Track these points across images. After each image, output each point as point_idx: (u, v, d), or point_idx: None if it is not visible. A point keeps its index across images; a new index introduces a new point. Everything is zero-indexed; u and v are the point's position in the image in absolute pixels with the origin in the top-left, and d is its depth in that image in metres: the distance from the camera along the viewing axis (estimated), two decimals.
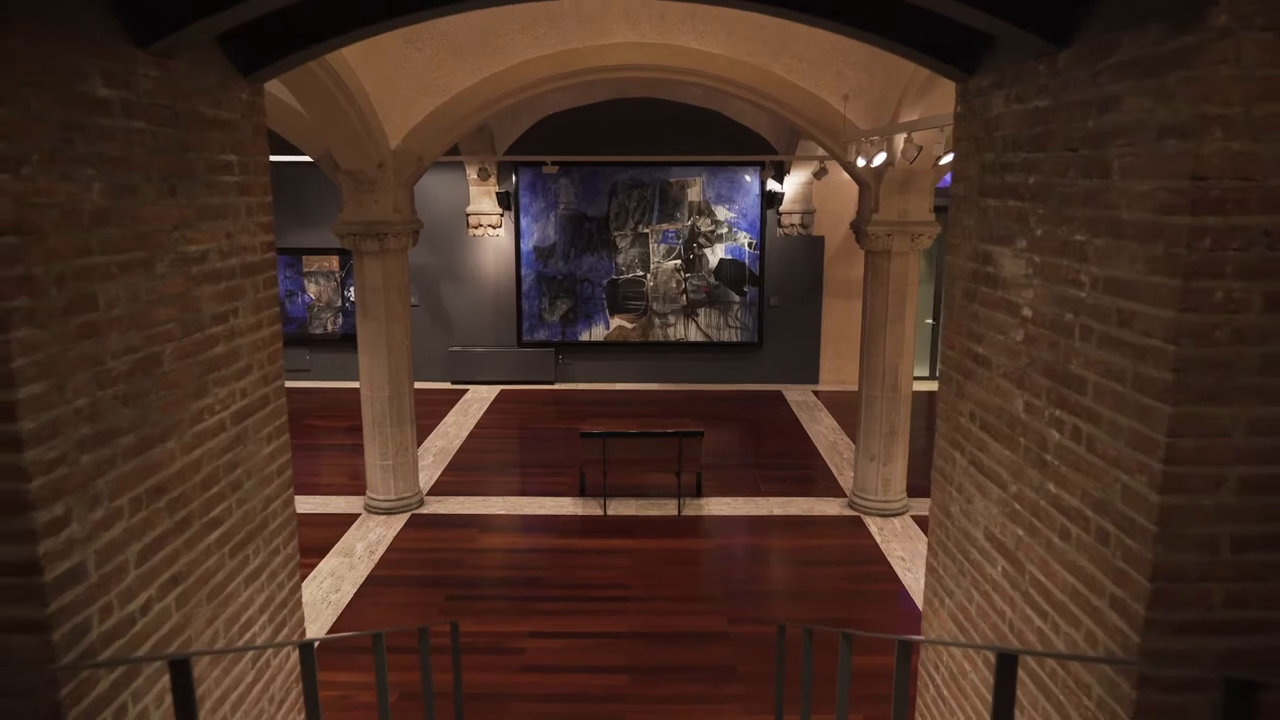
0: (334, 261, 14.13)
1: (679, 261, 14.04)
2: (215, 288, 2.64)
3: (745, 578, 7.83)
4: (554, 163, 11.84)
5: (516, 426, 12.47)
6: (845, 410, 12.76)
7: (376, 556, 8.18)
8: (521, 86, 8.38)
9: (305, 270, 14.39)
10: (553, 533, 8.74)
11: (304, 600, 7.30)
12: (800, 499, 9.62)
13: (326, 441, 11.71)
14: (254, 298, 2.91)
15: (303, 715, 3.19)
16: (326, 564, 8.02)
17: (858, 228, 8.93)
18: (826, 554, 8.31)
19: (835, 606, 7.24)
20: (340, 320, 14.38)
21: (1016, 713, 2.14)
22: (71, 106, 2.02)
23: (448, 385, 14.40)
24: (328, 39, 2.77)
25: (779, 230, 13.98)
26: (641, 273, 14.09)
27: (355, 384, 9.66)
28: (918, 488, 9.39)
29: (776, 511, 9.28)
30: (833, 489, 9.94)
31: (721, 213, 13.89)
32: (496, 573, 7.94)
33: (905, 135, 7.01)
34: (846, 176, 13.34)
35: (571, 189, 13.89)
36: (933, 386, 14.07)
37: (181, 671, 1.89)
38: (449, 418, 12.65)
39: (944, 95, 7.27)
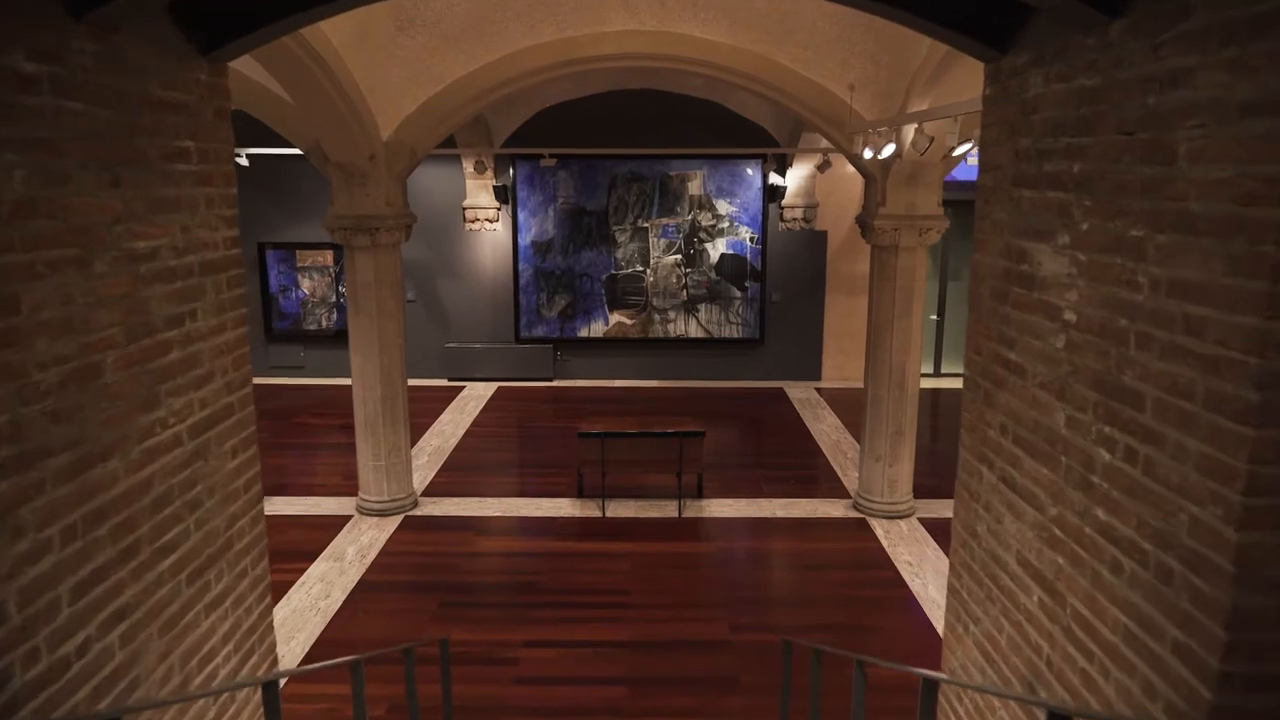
0: (328, 256, 13.87)
1: (679, 256, 13.79)
2: (168, 288, 2.39)
3: (748, 583, 7.59)
4: (552, 155, 11.61)
5: (514, 425, 12.22)
6: (848, 408, 12.51)
7: (368, 561, 7.93)
8: (517, 76, 8.11)
9: (299, 265, 14.13)
10: (550, 535, 8.49)
11: (293, 607, 7.11)
12: (804, 500, 9.38)
13: (320, 440, 11.46)
14: (216, 298, 2.65)
15: None
16: (316, 569, 7.77)
17: (864, 222, 8.67)
18: (831, 558, 8.07)
19: (841, 613, 7.00)
20: (335, 316, 14.12)
21: None
22: None
23: (444, 382, 14.15)
24: (294, 14, 2.51)
25: (781, 224, 13.73)
26: (641, 268, 13.83)
27: (350, 381, 9.44)
28: (924, 489, 9.15)
29: (779, 513, 9.04)
30: (837, 490, 9.70)
31: (723, 207, 13.63)
32: (491, 577, 7.69)
33: (915, 125, 6.74)
34: (850, 170, 13.11)
35: (570, 182, 13.62)
36: (938, 384, 13.84)
37: None
38: (445, 415, 12.40)
39: (955, 85, 7.01)
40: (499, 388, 13.87)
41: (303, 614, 6.97)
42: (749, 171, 13.50)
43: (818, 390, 13.81)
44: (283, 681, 5.85)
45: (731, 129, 13.09)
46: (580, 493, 9.38)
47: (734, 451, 11.13)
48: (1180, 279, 1.80)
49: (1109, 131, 2.04)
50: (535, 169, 13.53)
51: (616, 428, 9.92)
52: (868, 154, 7.52)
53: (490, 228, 13.85)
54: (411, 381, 12.04)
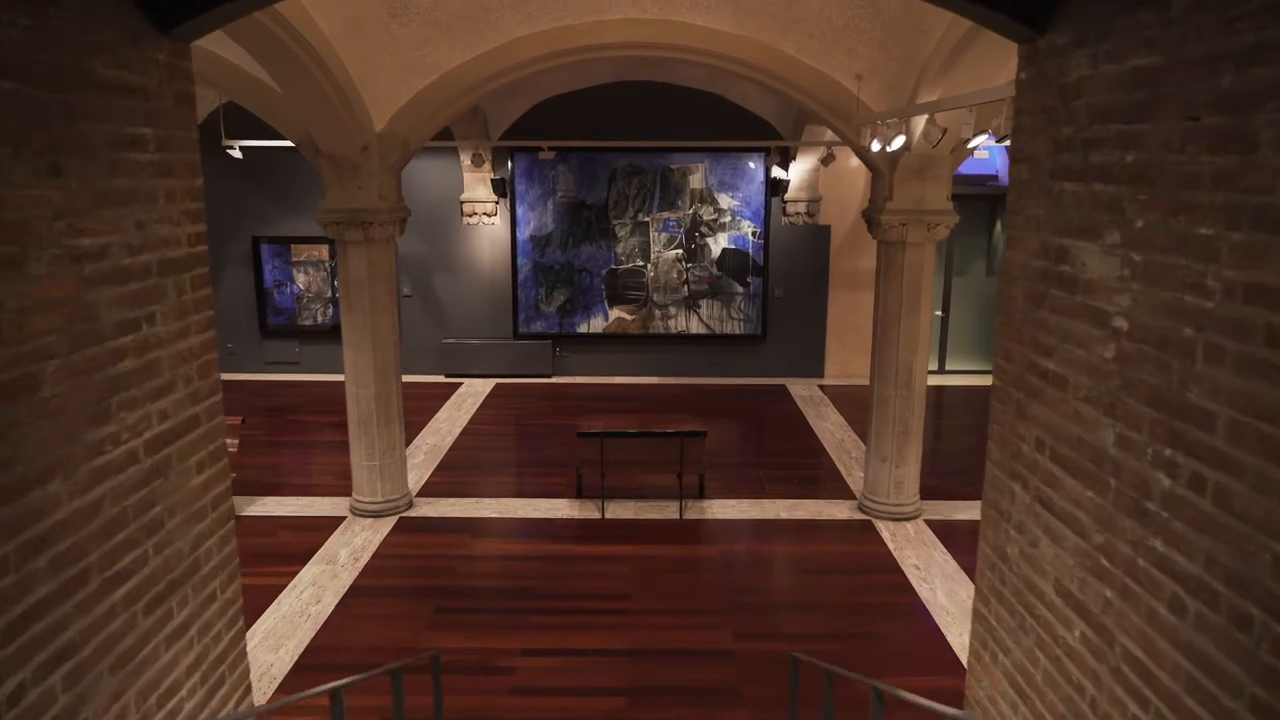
0: (323, 251, 13.64)
1: (680, 251, 13.55)
2: (120, 290, 2.15)
3: (750, 587, 7.38)
4: (551, 148, 11.34)
5: (512, 422, 12.00)
6: (852, 406, 12.30)
7: (361, 564, 7.72)
8: (514, 65, 7.88)
9: (294, 260, 13.91)
10: (548, 538, 8.27)
11: (282, 613, 6.90)
12: (807, 501, 9.16)
13: (315, 438, 11.24)
14: (178, 300, 2.42)
15: None
16: (308, 572, 7.56)
17: (870, 217, 8.43)
18: (836, 561, 7.86)
19: (847, 620, 6.79)
20: (330, 311, 13.90)
21: None
22: None
23: (441, 378, 13.94)
24: None
25: (784, 219, 13.50)
26: (641, 262, 13.60)
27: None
28: (929, 489, 8.94)
29: (783, 515, 8.83)
30: (841, 490, 9.48)
31: (724, 200, 13.39)
32: (487, 582, 7.47)
33: (927, 117, 6.50)
34: (854, 163, 12.88)
35: (569, 176, 13.38)
36: (942, 381, 13.61)
37: None
38: (441, 413, 12.18)
39: (967, 75, 6.77)
40: (497, 384, 13.65)
41: (292, 620, 6.76)
42: (751, 165, 13.27)
43: (820, 387, 13.59)
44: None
45: (733, 121, 12.87)
46: (579, 493, 9.17)
47: (735, 450, 10.91)
48: (1260, 283, 1.58)
49: (1171, 117, 1.81)
50: (534, 162, 13.30)
51: (616, 425, 9.72)
52: (876, 146, 7.28)
53: (488, 222, 13.61)
54: (408, 378, 11.82)
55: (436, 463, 10.23)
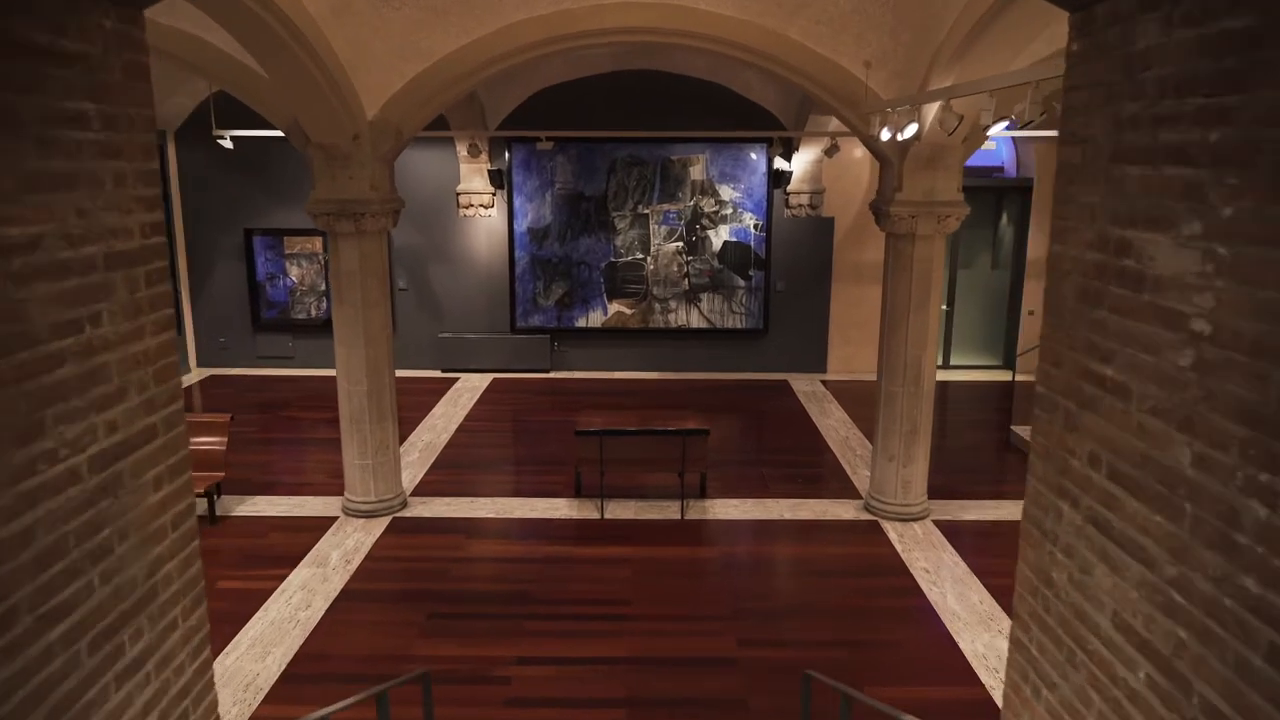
0: (317, 243, 13.35)
1: (681, 244, 13.28)
2: (56, 287, 1.89)
3: (754, 592, 7.13)
4: (549, 138, 11.09)
5: (509, 418, 11.74)
6: (855, 401, 12.04)
7: (353, 567, 7.47)
8: (510, 51, 7.59)
9: (287, 252, 13.63)
10: (546, 539, 8.02)
11: (271, 619, 6.64)
12: (812, 501, 8.92)
13: (308, 435, 10.98)
14: (130, 298, 2.15)
15: None
16: (298, 575, 7.31)
17: (878, 208, 8.16)
18: (842, 563, 7.62)
19: (855, 626, 6.55)
20: (325, 305, 13.62)
21: None
22: None
23: (437, 374, 13.68)
24: None
25: (786, 211, 13.22)
26: (641, 255, 13.32)
27: None
28: (935, 489, 8.70)
29: (786, 515, 8.59)
30: (846, 489, 9.24)
31: (726, 192, 13.11)
32: (482, 586, 7.22)
33: (941, 103, 6.22)
34: (859, 154, 12.61)
35: (568, 167, 13.10)
36: (949, 377, 13.36)
37: None
38: (437, 409, 11.91)
39: (983, 60, 6.52)
40: (494, 379, 13.40)
41: (281, 626, 6.51)
42: (753, 156, 12.99)
43: (823, 383, 13.35)
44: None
45: (735, 111, 12.60)
46: (578, 492, 8.93)
47: (737, 447, 10.66)
48: None
49: (1270, 87, 1.55)
50: (532, 152, 13.00)
51: (615, 421, 9.44)
52: (885, 135, 7.00)
53: (485, 213, 13.33)
54: (402, 373, 11.56)
55: (431, 461, 9.97)
